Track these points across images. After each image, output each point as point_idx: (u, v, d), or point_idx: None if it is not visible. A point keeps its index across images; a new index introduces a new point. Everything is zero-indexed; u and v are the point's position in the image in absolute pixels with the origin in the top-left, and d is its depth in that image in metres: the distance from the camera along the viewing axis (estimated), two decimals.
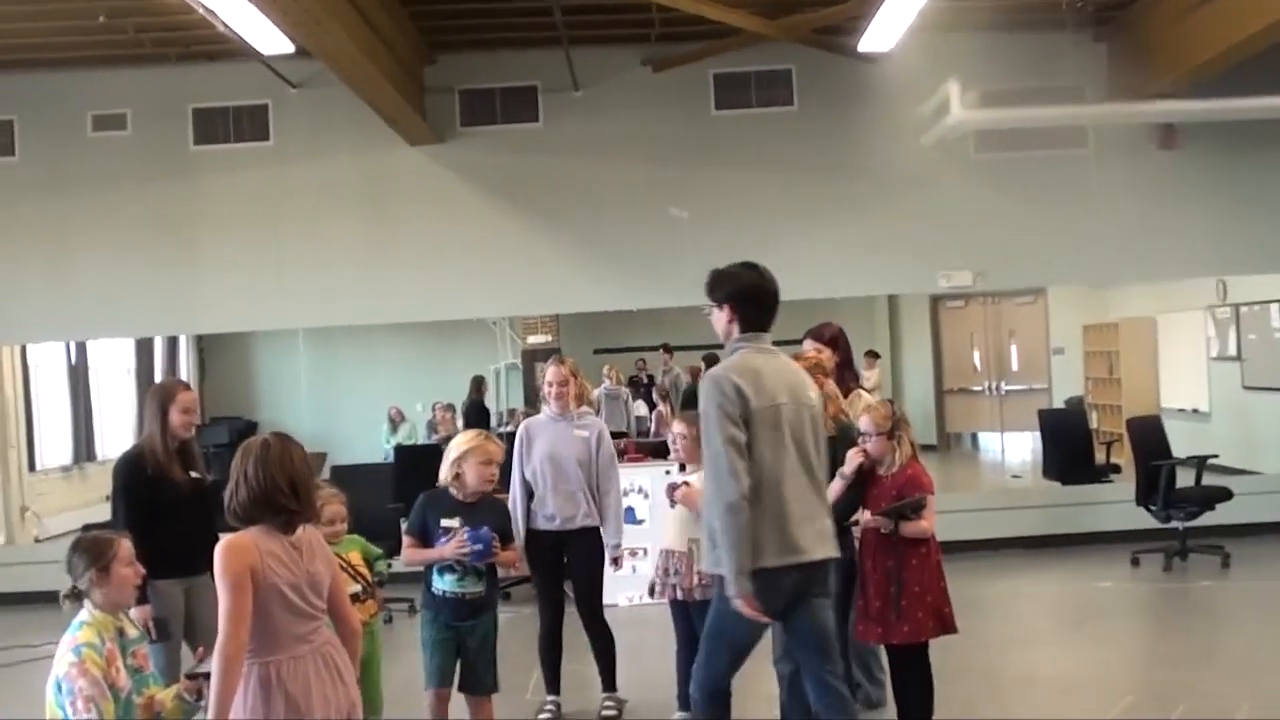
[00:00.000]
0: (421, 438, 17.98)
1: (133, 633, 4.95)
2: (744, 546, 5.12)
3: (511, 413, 19.16)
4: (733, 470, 5.15)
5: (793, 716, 6.02)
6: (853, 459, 6.40)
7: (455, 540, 6.23)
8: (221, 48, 11.56)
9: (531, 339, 21.21)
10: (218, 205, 12.81)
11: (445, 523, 6.31)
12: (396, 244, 12.82)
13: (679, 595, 6.97)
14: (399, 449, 14.57)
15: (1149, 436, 12.14)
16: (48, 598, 11.09)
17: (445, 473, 6.40)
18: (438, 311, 13.56)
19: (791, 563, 5.25)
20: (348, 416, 20.15)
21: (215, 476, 6.70)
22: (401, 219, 12.86)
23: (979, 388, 22.52)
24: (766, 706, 6.47)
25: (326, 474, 12.87)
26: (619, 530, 7.71)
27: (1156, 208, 12.78)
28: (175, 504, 6.66)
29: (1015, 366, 22.19)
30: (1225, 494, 11.68)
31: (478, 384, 18.78)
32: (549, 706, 7.73)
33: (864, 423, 6.46)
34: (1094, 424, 18.51)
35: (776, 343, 5.55)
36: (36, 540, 15.48)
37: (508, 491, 7.62)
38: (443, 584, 6.34)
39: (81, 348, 18.11)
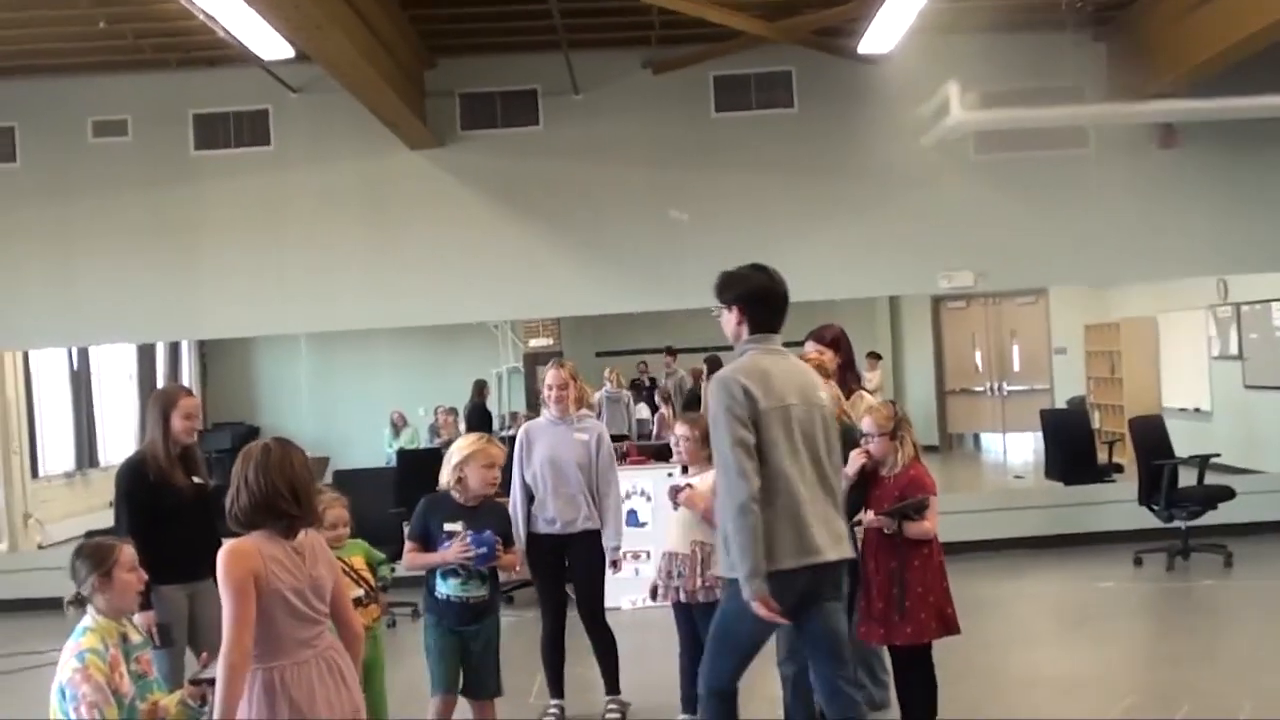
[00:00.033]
0: (424, 442, 17.98)
1: (136, 638, 4.95)
2: (757, 548, 5.10)
3: (514, 416, 19.18)
4: (742, 472, 5.13)
5: (796, 718, 6.02)
6: (855, 460, 6.41)
7: (459, 544, 6.23)
8: (222, 53, 11.57)
9: (533, 342, 21.25)
10: (219, 210, 12.81)
11: (448, 527, 6.31)
12: (397, 248, 12.82)
13: (682, 598, 6.97)
14: (401, 453, 14.57)
15: (1151, 436, 12.13)
16: (51, 604, 10.99)
17: (447, 476, 6.40)
18: (439, 315, 13.58)
19: (806, 564, 5.23)
20: (350, 421, 20.18)
21: (218, 482, 6.71)
22: (402, 223, 12.86)
23: (981, 388, 22.53)
24: (770, 708, 6.48)
25: (329, 478, 12.92)
26: (618, 533, 7.70)
27: (1157, 207, 12.78)
28: (178, 509, 6.66)
29: (1017, 367, 22.19)
30: (1228, 493, 11.68)
31: (479, 388, 18.79)
32: (552, 710, 7.72)
33: (866, 424, 6.46)
34: (1096, 424, 18.51)
35: None
36: (39, 547, 15.48)
37: (508, 495, 7.63)
38: (446, 588, 6.34)
39: (84, 353, 18.13)
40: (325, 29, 8.91)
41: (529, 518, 7.66)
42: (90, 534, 5.76)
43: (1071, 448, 14.37)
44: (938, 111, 11.94)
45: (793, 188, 12.74)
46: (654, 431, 16.22)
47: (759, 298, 5.49)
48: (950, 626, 6.40)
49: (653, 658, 8.45)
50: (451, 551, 6.23)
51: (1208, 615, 10.40)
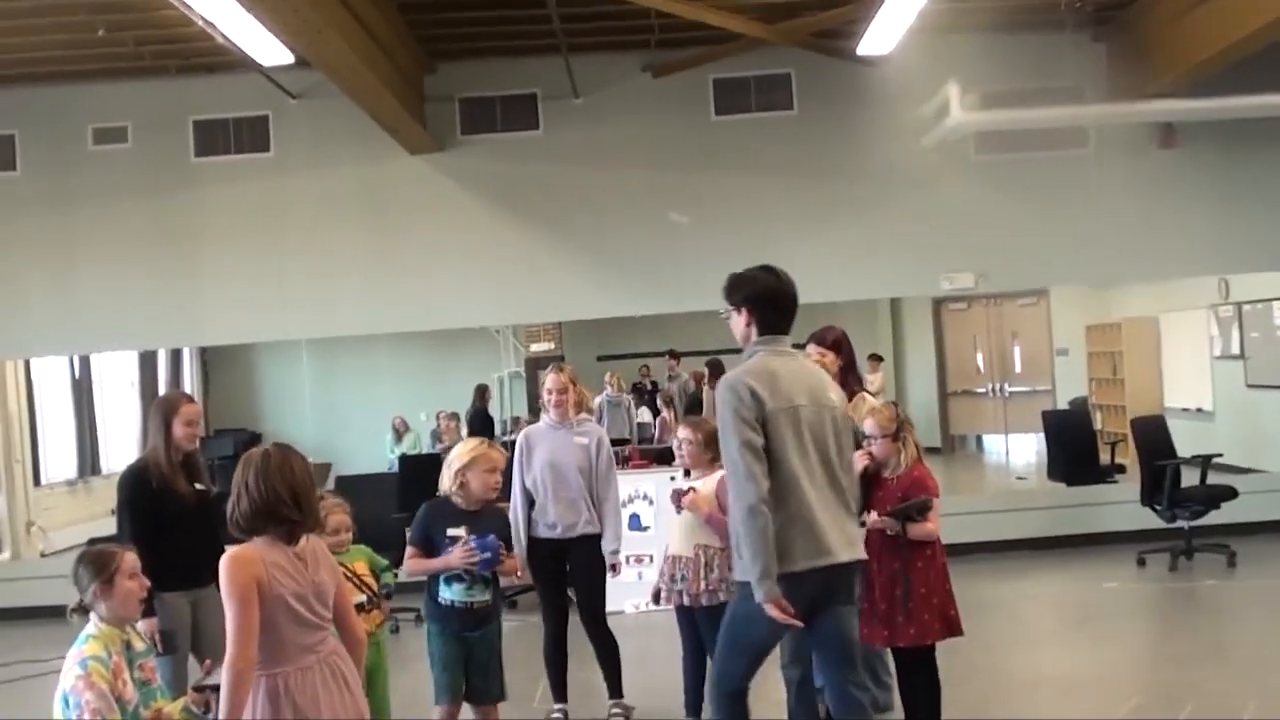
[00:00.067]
0: (426, 447, 17.99)
1: (140, 645, 4.95)
2: (768, 550, 5.07)
3: (516, 421, 19.16)
4: (750, 474, 5.11)
5: None
6: (858, 462, 6.39)
7: (463, 549, 6.21)
8: (221, 59, 11.57)
9: (534, 347, 21.25)
10: (219, 217, 12.82)
11: (451, 532, 6.28)
12: (398, 253, 12.82)
13: (685, 601, 6.96)
14: (403, 458, 14.57)
15: (1153, 436, 12.14)
16: (54, 612, 11.07)
17: (448, 481, 6.38)
18: (440, 320, 13.58)
19: (818, 565, 5.20)
20: (352, 427, 20.18)
21: (220, 488, 6.71)
22: (403, 228, 12.87)
23: (982, 390, 22.51)
24: (775, 709, 6.47)
25: (331, 484, 12.91)
26: (617, 537, 7.70)
27: (1157, 207, 12.79)
28: (180, 516, 6.66)
29: (1018, 368, 22.18)
30: (1230, 493, 11.68)
31: (481, 392, 18.78)
32: (556, 714, 7.73)
33: (868, 425, 6.45)
34: (1098, 424, 18.49)
35: None
36: (42, 555, 15.47)
37: (508, 500, 7.62)
38: (451, 594, 6.32)
39: (85, 361, 18.13)
40: (324, 34, 8.91)
41: (529, 522, 7.65)
42: (93, 541, 5.77)
43: (1074, 448, 14.37)
44: (938, 112, 11.95)
45: (793, 190, 12.74)
46: (656, 435, 16.21)
47: (767, 299, 5.46)
48: (953, 628, 6.40)
49: (656, 661, 8.44)
50: (456, 556, 6.22)
51: (1211, 615, 10.40)
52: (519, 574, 7.62)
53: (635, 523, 10.89)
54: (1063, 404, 19.76)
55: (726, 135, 12.86)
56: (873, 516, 6.39)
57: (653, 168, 12.82)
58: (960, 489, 16.97)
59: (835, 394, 5.53)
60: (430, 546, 6.33)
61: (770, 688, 6.57)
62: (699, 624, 7.03)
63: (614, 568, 7.70)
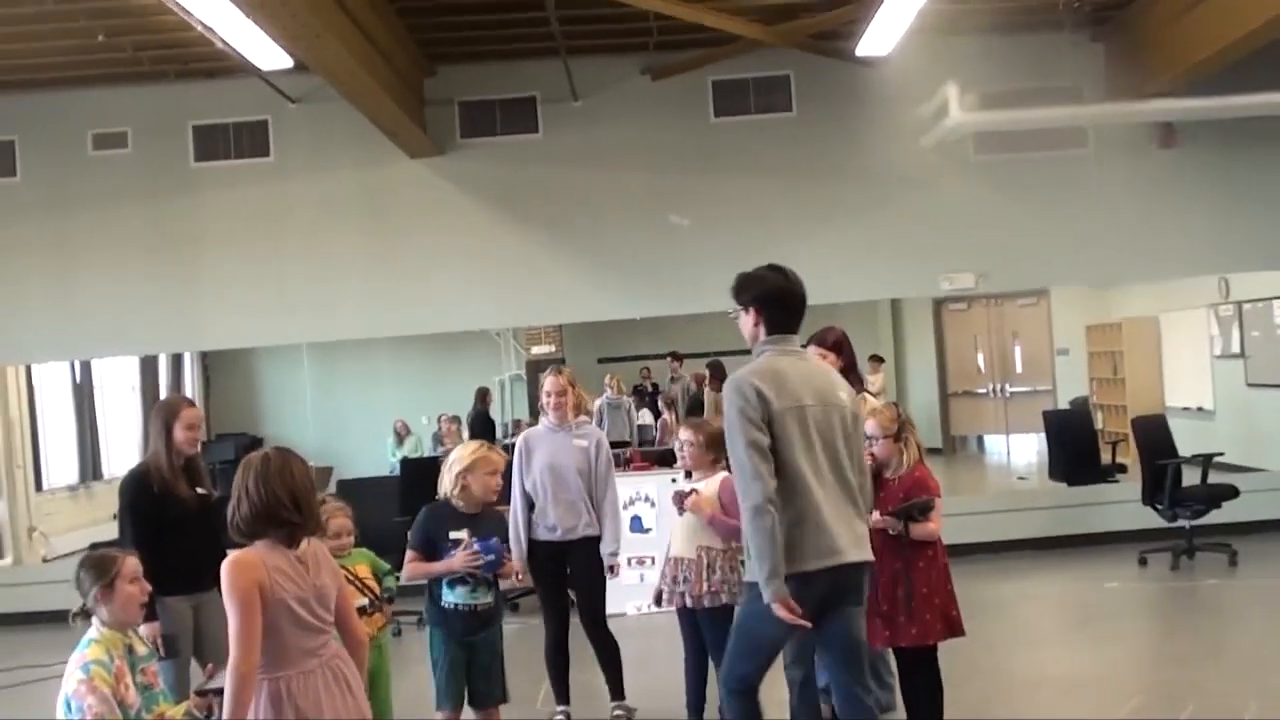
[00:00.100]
0: (427, 450, 17.99)
1: (142, 650, 4.96)
2: (775, 549, 5.04)
3: (517, 424, 19.18)
4: (756, 474, 5.08)
5: None
6: None
7: (467, 552, 6.21)
8: (220, 64, 11.58)
9: (535, 349, 21.25)
10: (219, 221, 12.83)
11: (453, 535, 6.29)
12: (398, 257, 12.83)
13: (688, 603, 6.96)
14: (404, 462, 14.57)
15: (1154, 436, 12.13)
16: (56, 617, 10.98)
17: (448, 484, 6.36)
18: (441, 323, 13.58)
19: (827, 565, 5.17)
20: (353, 430, 20.17)
21: (221, 493, 6.71)
22: (403, 232, 12.88)
23: (983, 390, 22.51)
24: (777, 709, 6.47)
25: (333, 488, 12.91)
26: (616, 539, 7.70)
27: (1157, 207, 12.79)
28: (181, 520, 6.66)
29: (1019, 368, 22.18)
30: (1231, 492, 11.67)
31: (482, 395, 18.78)
32: (558, 716, 7.73)
33: (870, 426, 6.44)
34: (1099, 424, 18.48)
35: None
36: (44, 560, 15.47)
37: (508, 503, 7.63)
38: (454, 597, 6.30)
39: (86, 366, 18.13)
40: (323, 39, 8.92)
41: (529, 525, 7.66)
42: (94, 546, 5.77)
43: (1075, 448, 14.37)
44: (937, 113, 11.95)
45: (792, 191, 12.75)
46: (657, 437, 16.21)
47: (776, 299, 5.44)
48: (955, 628, 6.40)
49: (658, 663, 8.44)
50: (459, 560, 6.21)
51: (1213, 614, 10.40)
52: (519, 577, 7.65)
53: (636, 525, 10.89)
54: (1063, 404, 19.76)
55: (726, 137, 12.86)
56: (875, 516, 6.39)
57: (652, 170, 12.83)
58: (961, 489, 16.97)
59: (845, 393, 5.48)
60: (432, 550, 6.31)
61: (773, 688, 6.57)
62: (701, 626, 7.03)
63: (612, 569, 7.70)
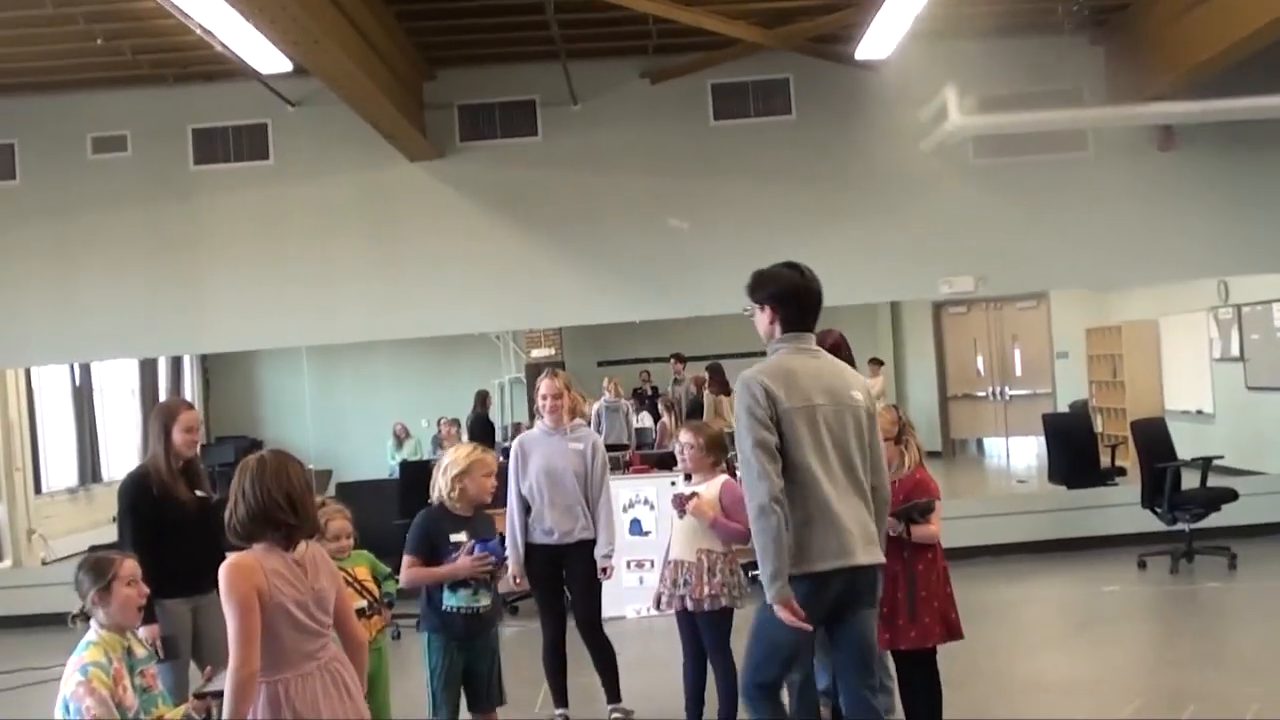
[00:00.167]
0: (426, 453, 17.98)
1: (141, 652, 4.96)
2: (779, 549, 5.00)
3: (517, 426, 19.14)
4: (763, 473, 5.03)
5: None
6: None
7: (474, 557, 6.20)
8: (219, 67, 11.59)
9: (535, 352, 21.23)
10: (219, 225, 12.83)
11: (454, 538, 6.29)
12: (398, 260, 12.84)
13: (688, 606, 6.94)
14: (404, 465, 14.57)
15: (1154, 439, 12.13)
16: (55, 620, 10.99)
17: (444, 488, 6.35)
18: (440, 327, 13.58)
19: (836, 567, 5.11)
20: (352, 433, 20.18)
21: (221, 495, 6.71)
22: (402, 235, 12.88)
23: (983, 393, 22.50)
24: None
25: (332, 491, 12.91)
26: (610, 541, 7.69)
27: (1157, 209, 12.79)
28: (181, 523, 6.66)
29: (1019, 371, 22.17)
30: (1231, 495, 11.67)
31: (482, 398, 18.78)
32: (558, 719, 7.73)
33: None
34: (1098, 427, 18.49)
35: None
36: (43, 562, 15.47)
37: (503, 507, 7.63)
38: (456, 600, 6.29)
39: (86, 369, 18.14)
40: (323, 43, 8.92)
41: (525, 529, 7.65)
42: (94, 549, 5.77)
43: (1074, 451, 14.38)
44: (936, 116, 11.95)
45: (792, 194, 12.75)
46: (656, 440, 16.21)
47: (791, 296, 5.41)
48: (954, 632, 6.40)
49: (657, 666, 8.44)
50: (465, 564, 6.21)
51: (1212, 617, 10.40)
52: (517, 580, 7.65)
53: (636, 528, 10.90)
54: (1063, 407, 19.77)
55: (725, 140, 12.86)
56: None
57: (651, 173, 12.83)
58: (961, 492, 16.94)
59: (860, 392, 5.39)
60: (433, 554, 6.30)
61: None
62: (700, 629, 7.02)
63: (605, 571, 7.68)
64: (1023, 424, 20.86)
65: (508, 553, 7.34)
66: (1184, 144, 12.64)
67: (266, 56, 9.63)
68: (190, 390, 20.82)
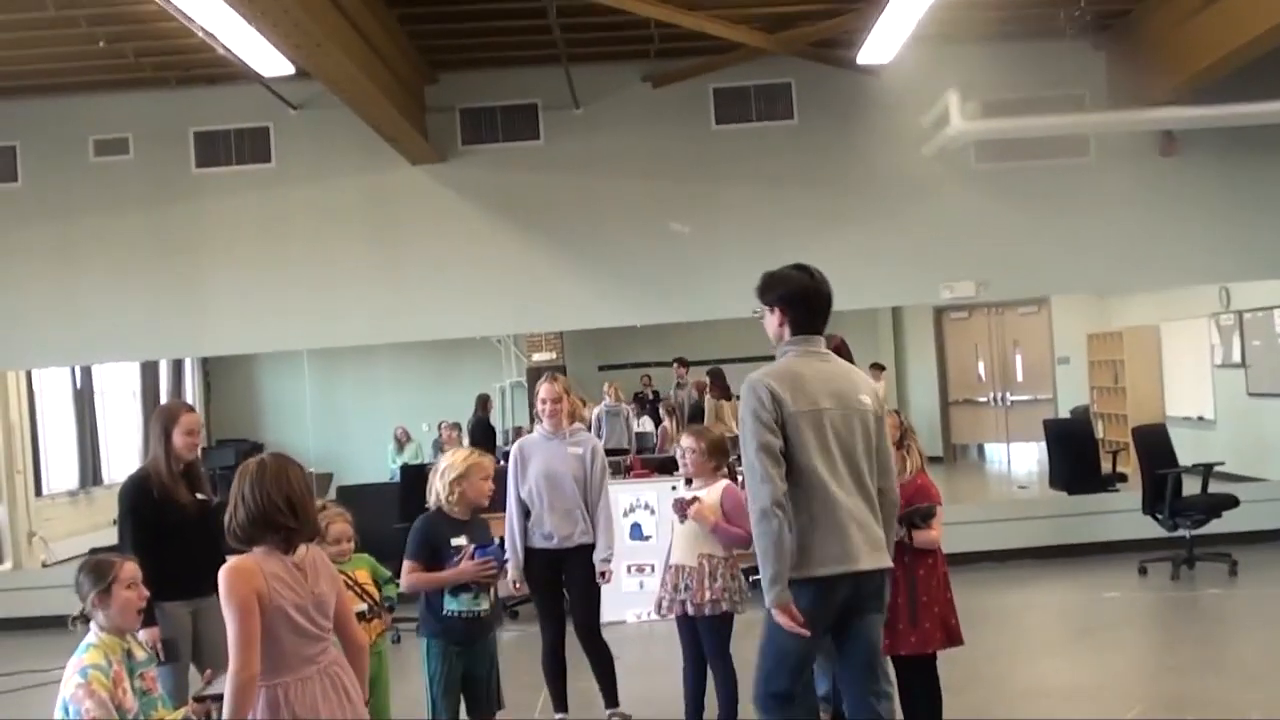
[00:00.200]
0: (427, 457, 17.96)
1: (141, 655, 4.96)
2: (780, 554, 4.97)
3: (518, 430, 19.12)
4: (766, 477, 5.00)
5: None
6: None
7: (477, 560, 6.20)
8: (221, 70, 11.59)
9: (536, 356, 21.22)
10: (221, 228, 12.84)
11: (455, 542, 6.29)
12: (400, 263, 12.84)
13: (689, 611, 6.93)
14: (405, 468, 14.56)
15: (1155, 445, 12.12)
16: (55, 622, 10.98)
17: (442, 492, 6.35)
18: (442, 330, 13.58)
19: (841, 572, 5.08)
20: (353, 437, 20.16)
21: (221, 498, 6.71)
22: (404, 238, 12.88)
23: (984, 398, 22.51)
24: None
25: (333, 494, 12.90)
26: (609, 546, 7.67)
27: (1158, 215, 12.79)
28: (181, 526, 6.66)
29: (1020, 377, 22.17)
30: (1232, 501, 11.66)
31: (483, 402, 18.75)
32: None
33: None
34: (1100, 433, 18.45)
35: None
36: (44, 565, 15.47)
37: (502, 510, 7.63)
38: (458, 604, 6.29)
39: (87, 372, 18.13)
40: (325, 46, 8.92)
41: (525, 533, 7.65)
42: (94, 551, 5.76)
43: (1075, 457, 14.37)
44: (938, 121, 11.95)
45: (794, 199, 12.75)
46: (657, 444, 16.20)
47: (801, 298, 5.35)
48: (954, 637, 6.40)
49: (657, 671, 8.44)
50: (471, 568, 6.20)
51: (1213, 624, 10.39)
52: (516, 585, 7.65)
53: (636, 532, 10.90)
54: (1064, 413, 19.76)
55: (727, 145, 12.86)
56: None
57: (653, 177, 12.83)
58: (962, 498, 16.96)
59: (869, 396, 5.35)
60: (435, 559, 6.29)
61: None
62: (700, 633, 7.01)
63: (604, 575, 7.67)
64: (1024, 429, 20.85)
65: (507, 557, 7.35)
66: (1186, 150, 12.64)
67: (268, 59, 9.64)
68: (191, 393, 20.81)
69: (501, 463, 8.39)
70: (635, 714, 7.75)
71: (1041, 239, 12.71)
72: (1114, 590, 11.27)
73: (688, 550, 6.97)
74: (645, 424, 17.67)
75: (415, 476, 12.64)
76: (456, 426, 17.08)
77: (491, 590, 6.39)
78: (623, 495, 10.71)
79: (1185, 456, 12.24)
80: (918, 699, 6.43)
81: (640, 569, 10.58)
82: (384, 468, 18.21)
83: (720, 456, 7.18)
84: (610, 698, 7.73)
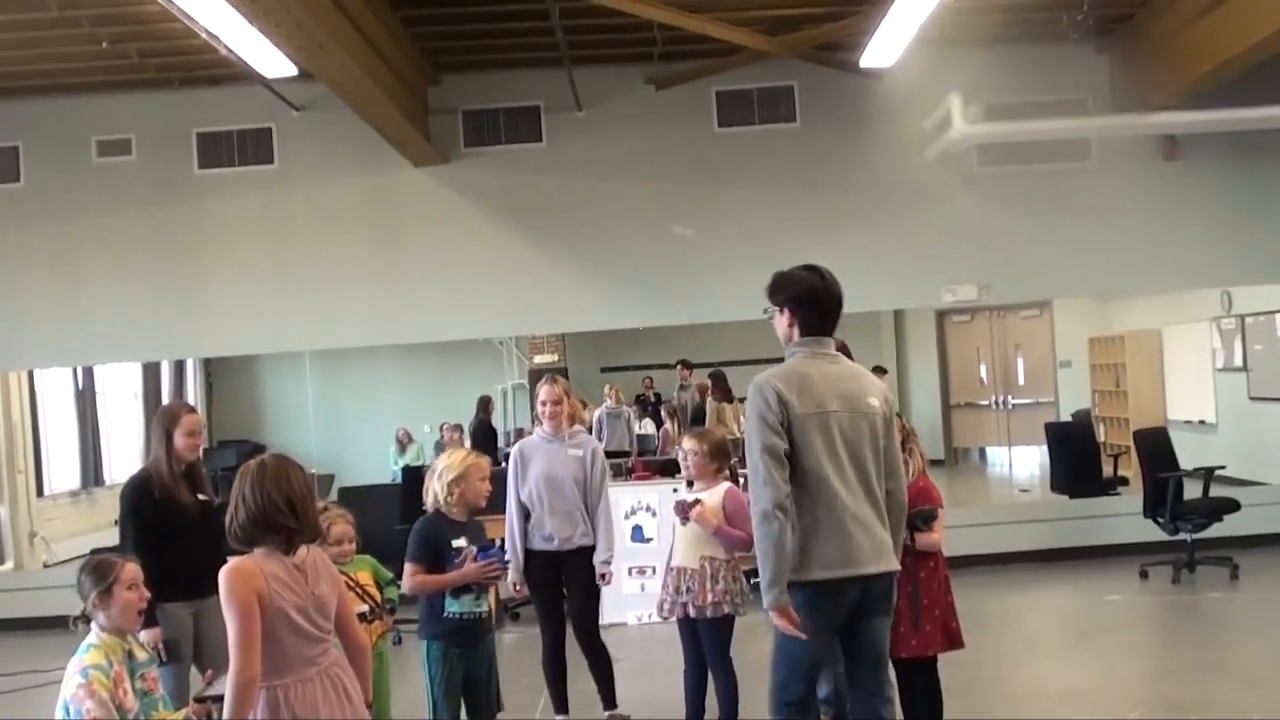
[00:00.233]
0: (429, 459, 17.95)
1: (142, 655, 4.96)
2: (779, 556, 4.96)
3: (519, 432, 19.15)
4: (768, 479, 4.98)
5: None
6: None
7: (481, 563, 6.20)
8: (224, 71, 11.59)
9: (538, 358, 21.26)
10: (223, 229, 12.83)
11: (456, 544, 6.29)
12: (401, 265, 12.83)
13: (691, 613, 6.93)
14: (406, 470, 14.57)
15: (1156, 448, 12.12)
16: (56, 623, 10.98)
17: (440, 493, 6.34)
18: (444, 332, 13.58)
19: (845, 575, 5.06)
20: (355, 438, 20.20)
21: (222, 499, 6.71)
22: (406, 240, 12.88)
23: (986, 402, 22.53)
24: None
25: (334, 495, 12.90)
26: (609, 547, 7.68)
27: (1160, 219, 12.78)
28: (182, 527, 6.66)
29: (1022, 380, 22.19)
30: (1233, 505, 11.66)
31: (484, 404, 18.76)
32: None
33: None
34: (1101, 436, 18.46)
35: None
36: (45, 565, 15.48)
37: (502, 512, 7.64)
38: (459, 606, 6.28)
39: (89, 372, 18.14)
40: (328, 47, 8.92)
41: (525, 535, 7.65)
42: (95, 552, 5.77)
43: (1077, 461, 14.37)
44: (940, 125, 11.95)
45: (796, 202, 12.74)
46: (658, 447, 16.20)
47: (811, 299, 5.33)
48: (955, 640, 6.39)
49: (658, 673, 8.44)
50: (475, 569, 6.20)
51: (1214, 628, 10.38)
52: (517, 587, 7.66)
53: (638, 534, 10.89)
54: (1065, 416, 19.76)
55: (729, 147, 12.86)
56: None
57: (656, 180, 12.83)
58: (963, 501, 16.96)
59: (877, 399, 5.31)
60: (438, 561, 6.29)
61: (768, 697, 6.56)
62: (701, 636, 7.02)
63: (604, 577, 7.67)
64: (1025, 433, 20.84)
65: (508, 559, 7.36)
66: (1188, 154, 12.64)
67: (271, 61, 9.64)
68: (193, 394, 20.83)
69: (503, 464, 8.39)
70: (636, 716, 7.75)
71: (1043, 243, 12.71)
72: (1115, 593, 11.27)
73: (689, 553, 6.97)
74: (647, 426, 17.68)
75: (417, 478, 12.55)
76: (458, 428, 17.10)
77: (490, 592, 6.39)
78: (624, 497, 10.71)
79: (1186, 460, 12.24)
80: (918, 701, 6.42)
81: (641, 571, 10.58)
82: (385, 469, 18.23)
83: (722, 459, 7.18)
84: (608, 699, 7.73)
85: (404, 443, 18.82)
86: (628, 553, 10.31)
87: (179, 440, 6.78)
